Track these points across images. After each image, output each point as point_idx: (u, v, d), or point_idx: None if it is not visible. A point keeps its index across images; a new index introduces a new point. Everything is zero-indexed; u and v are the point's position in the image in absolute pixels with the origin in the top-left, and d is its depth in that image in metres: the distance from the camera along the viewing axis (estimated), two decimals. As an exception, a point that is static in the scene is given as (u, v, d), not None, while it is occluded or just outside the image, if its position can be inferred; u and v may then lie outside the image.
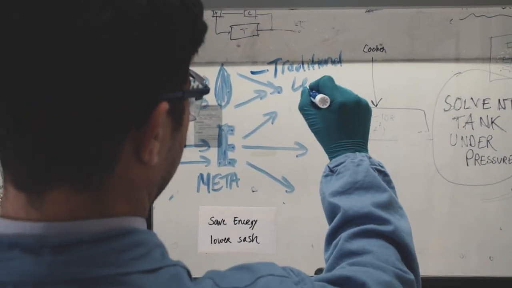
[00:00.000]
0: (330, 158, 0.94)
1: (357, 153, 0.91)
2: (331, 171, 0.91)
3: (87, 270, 0.51)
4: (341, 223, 0.85)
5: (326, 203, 0.89)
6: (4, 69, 0.48)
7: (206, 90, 0.63)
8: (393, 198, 0.87)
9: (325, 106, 0.91)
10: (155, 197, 0.64)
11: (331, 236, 0.86)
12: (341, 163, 0.90)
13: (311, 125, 0.97)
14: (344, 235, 0.83)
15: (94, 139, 0.51)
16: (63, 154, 0.51)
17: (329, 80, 0.96)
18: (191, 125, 1.73)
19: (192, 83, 0.62)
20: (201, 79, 0.63)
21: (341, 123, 0.92)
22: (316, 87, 0.97)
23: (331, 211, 0.88)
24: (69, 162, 0.52)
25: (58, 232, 0.52)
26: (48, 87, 0.48)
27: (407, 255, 0.81)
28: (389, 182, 0.91)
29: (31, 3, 0.48)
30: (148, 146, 0.55)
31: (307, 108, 0.96)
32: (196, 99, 0.64)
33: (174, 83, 0.57)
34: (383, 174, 0.91)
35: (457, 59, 1.71)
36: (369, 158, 0.91)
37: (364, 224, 0.83)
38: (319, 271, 1.93)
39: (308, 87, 0.99)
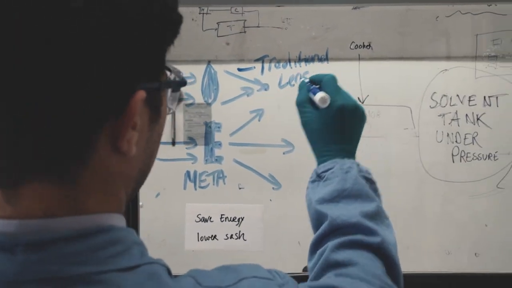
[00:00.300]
0: (318, 162, 0.91)
1: (346, 159, 0.89)
2: (319, 177, 0.89)
3: (62, 268, 0.50)
4: (328, 231, 0.83)
5: (312, 210, 0.87)
6: None
7: (183, 82, 0.63)
8: (380, 208, 0.86)
9: (324, 106, 0.87)
10: (133, 193, 0.63)
11: (316, 245, 0.84)
12: (329, 169, 0.88)
13: (305, 124, 0.93)
14: (330, 244, 0.81)
15: (68, 130, 0.50)
16: (36, 146, 0.50)
17: (332, 79, 0.92)
18: (180, 122, 1.74)
19: (169, 76, 0.62)
20: (177, 71, 0.63)
21: (337, 126, 0.89)
22: (317, 83, 0.93)
23: (317, 219, 0.86)
24: (42, 155, 0.51)
25: (31, 230, 0.51)
26: (17, 77, 0.48)
27: (392, 268, 0.80)
28: (375, 190, 0.89)
29: None
30: (126, 136, 0.54)
31: (305, 105, 0.92)
32: (173, 91, 0.64)
33: (151, 74, 0.56)
34: (370, 181, 0.89)
35: (443, 57, 1.72)
36: (358, 165, 0.89)
37: (352, 234, 0.81)
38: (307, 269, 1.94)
39: (308, 81, 0.95)
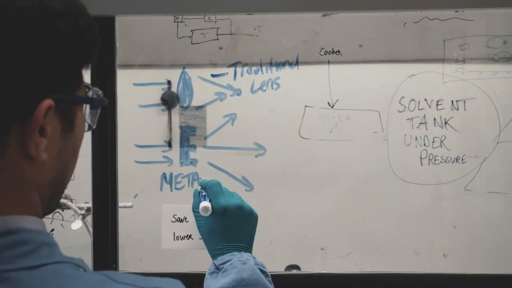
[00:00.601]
0: (213, 258, 0.96)
1: (243, 252, 0.94)
2: (217, 269, 0.93)
3: None
4: None
5: None
6: None
7: (100, 100, 0.67)
8: None
9: (206, 215, 0.94)
10: (52, 199, 0.66)
11: None
12: (228, 261, 0.92)
13: (198, 228, 1.01)
14: None
15: None
16: None
17: (215, 185, 0.98)
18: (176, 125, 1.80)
19: (88, 94, 0.66)
20: (96, 90, 0.67)
21: (223, 227, 0.95)
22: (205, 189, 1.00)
23: None
24: None
25: None
26: None
27: None
28: (270, 283, 0.94)
29: None
30: (33, 140, 0.56)
31: (195, 211, 0.99)
32: (92, 107, 0.67)
33: (63, 87, 0.60)
34: (265, 274, 0.94)
35: (411, 61, 1.76)
36: (254, 258, 0.94)
37: None
38: (290, 267, 1.99)
39: (199, 188, 1.02)
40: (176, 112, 1.84)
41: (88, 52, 0.64)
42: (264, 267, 0.94)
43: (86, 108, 0.67)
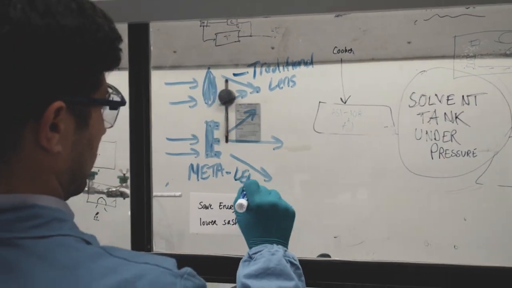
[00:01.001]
0: (250, 248, 1.05)
1: (274, 245, 1.02)
2: (250, 258, 1.02)
3: None
4: None
5: (239, 283, 0.99)
6: None
7: (118, 103, 0.76)
8: (298, 287, 0.98)
9: (241, 211, 1.05)
10: (71, 184, 0.76)
11: None
12: (259, 251, 1.01)
13: (238, 224, 1.10)
14: None
15: None
16: None
17: (252, 184, 1.08)
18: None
19: (112, 96, 0.75)
20: (118, 92, 0.75)
21: (257, 222, 1.04)
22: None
23: None
24: None
25: None
26: None
27: None
28: (300, 276, 1.02)
29: None
30: (44, 135, 0.66)
31: (234, 209, 1.08)
32: (110, 108, 0.76)
33: (78, 90, 0.69)
34: (296, 267, 1.02)
35: (421, 58, 1.81)
36: (285, 250, 1.03)
37: None
38: (322, 256, 2.09)
39: (242, 187, 1.11)
40: (232, 109, 2.01)
41: (106, 60, 0.73)
42: (295, 260, 1.02)
43: (106, 108, 0.76)
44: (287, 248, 1.05)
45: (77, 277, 0.64)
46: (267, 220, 1.04)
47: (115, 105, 0.76)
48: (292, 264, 1.00)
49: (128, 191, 2.12)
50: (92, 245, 0.69)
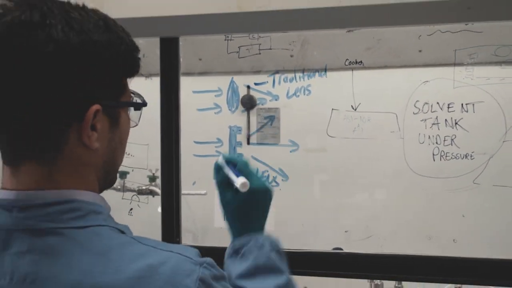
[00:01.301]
0: (234, 238, 0.99)
1: (259, 235, 0.97)
2: (236, 253, 0.96)
3: (37, 223, 0.73)
4: None
5: (232, 285, 0.93)
6: None
7: (141, 104, 0.85)
8: (290, 279, 0.95)
9: (244, 190, 0.93)
10: (106, 178, 0.84)
11: None
12: (245, 244, 0.96)
13: (225, 205, 1.02)
14: None
15: (47, 129, 0.73)
16: (28, 138, 0.73)
17: (246, 164, 1.00)
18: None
19: (135, 98, 0.85)
20: (139, 96, 0.86)
21: (251, 207, 0.98)
22: (231, 164, 1.00)
23: None
24: (32, 144, 0.74)
25: (23, 198, 0.74)
26: (17, 102, 0.72)
27: None
28: (284, 261, 0.98)
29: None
30: (85, 133, 0.75)
31: (224, 187, 1.01)
32: (135, 109, 0.85)
33: (109, 95, 0.78)
34: (279, 252, 0.97)
35: (425, 69, 2.00)
36: (270, 240, 0.98)
37: None
38: (336, 248, 2.27)
39: (223, 161, 1.03)
40: (253, 113, 2.21)
41: (129, 68, 0.82)
42: (278, 247, 0.98)
43: (130, 110, 0.85)
44: (266, 233, 1.00)
45: (109, 261, 0.72)
46: (258, 205, 1.00)
47: (138, 106, 0.85)
48: (277, 251, 0.97)
49: (156, 189, 2.33)
50: (125, 234, 0.77)
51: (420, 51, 2.00)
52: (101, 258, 0.72)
